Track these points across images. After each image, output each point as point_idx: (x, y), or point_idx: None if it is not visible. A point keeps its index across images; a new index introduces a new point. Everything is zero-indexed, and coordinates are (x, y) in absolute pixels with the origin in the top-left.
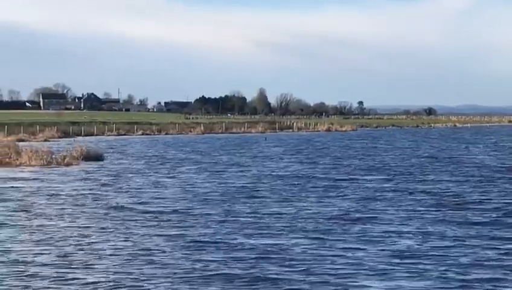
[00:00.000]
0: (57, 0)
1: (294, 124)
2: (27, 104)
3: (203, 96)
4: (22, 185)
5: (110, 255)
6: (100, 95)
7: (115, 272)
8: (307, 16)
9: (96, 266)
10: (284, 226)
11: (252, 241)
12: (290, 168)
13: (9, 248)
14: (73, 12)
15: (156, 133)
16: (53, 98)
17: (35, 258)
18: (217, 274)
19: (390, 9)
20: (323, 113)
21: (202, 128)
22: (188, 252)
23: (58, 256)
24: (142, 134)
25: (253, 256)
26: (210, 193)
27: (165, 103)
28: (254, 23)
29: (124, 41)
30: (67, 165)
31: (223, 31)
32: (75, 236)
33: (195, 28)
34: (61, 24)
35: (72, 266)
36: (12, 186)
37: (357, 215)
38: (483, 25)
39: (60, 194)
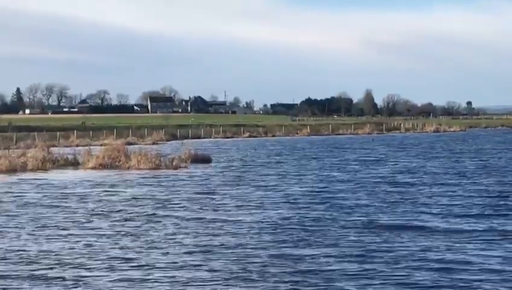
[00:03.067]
0: (169, 6)
1: (402, 125)
2: (135, 107)
3: (309, 98)
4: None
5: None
6: (207, 98)
7: None
8: (414, 15)
9: None
10: None
11: None
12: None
13: None
14: (181, 15)
15: (263, 135)
16: (160, 101)
17: None
18: None
19: (502, 7)
20: (431, 114)
21: (309, 130)
22: None
23: None
24: (249, 136)
25: None
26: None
27: (271, 105)
28: (360, 23)
29: (231, 43)
30: (176, 168)
31: (328, 32)
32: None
33: (301, 29)
34: (171, 28)
35: None
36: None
37: None
38: None
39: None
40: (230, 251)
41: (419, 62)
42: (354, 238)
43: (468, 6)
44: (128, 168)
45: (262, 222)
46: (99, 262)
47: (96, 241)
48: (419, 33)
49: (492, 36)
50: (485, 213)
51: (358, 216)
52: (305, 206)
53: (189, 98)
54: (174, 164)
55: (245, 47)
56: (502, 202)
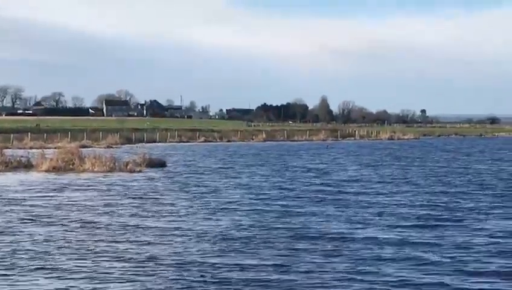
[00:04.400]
0: (124, 8)
1: (356, 132)
2: (90, 110)
3: (264, 103)
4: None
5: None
6: (162, 102)
7: None
8: (371, 23)
9: None
10: None
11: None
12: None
13: None
14: (139, 20)
15: (218, 140)
16: (116, 104)
17: None
18: None
19: (458, 17)
20: (385, 121)
21: (264, 135)
22: None
23: None
24: (204, 141)
25: None
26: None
27: (226, 110)
28: (317, 29)
29: (187, 47)
30: (131, 171)
31: (285, 38)
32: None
33: (258, 35)
34: (126, 32)
35: None
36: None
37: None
38: None
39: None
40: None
41: (374, 69)
42: (285, 247)
43: (424, 15)
44: (83, 171)
45: (200, 230)
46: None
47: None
48: (376, 41)
49: (446, 44)
50: (405, 224)
51: (293, 224)
52: (246, 213)
53: (145, 102)
54: (128, 167)
55: (202, 51)
56: (424, 212)
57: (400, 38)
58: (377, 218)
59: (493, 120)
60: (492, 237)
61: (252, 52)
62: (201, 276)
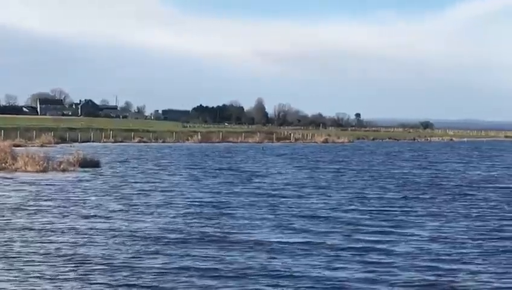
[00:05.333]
0: (58, 6)
1: (292, 134)
2: (24, 109)
3: (200, 105)
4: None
5: None
6: (97, 102)
7: None
8: (308, 27)
9: None
10: None
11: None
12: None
13: None
14: (73, 18)
15: (153, 141)
16: (50, 103)
17: None
18: None
19: (394, 21)
20: (321, 125)
21: (199, 137)
22: None
23: None
24: (139, 141)
25: None
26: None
27: (162, 111)
28: (253, 32)
29: (123, 47)
30: (64, 171)
31: (223, 41)
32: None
33: (193, 36)
34: (61, 30)
35: None
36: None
37: None
38: (488, 41)
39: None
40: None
41: (310, 73)
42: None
43: (361, 19)
44: (16, 170)
45: (118, 230)
46: None
47: None
48: (312, 44)
49: (382, 48)
50: (332, 229)
51: (220, 227)
52: (174, 215)
53: (80, 101)
54: (62, 167)
55: (138, 52)
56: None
57: (336, 42)
58: (302, 222)
59: (426, 125)
60: (418, 243)
61: (188, 53)
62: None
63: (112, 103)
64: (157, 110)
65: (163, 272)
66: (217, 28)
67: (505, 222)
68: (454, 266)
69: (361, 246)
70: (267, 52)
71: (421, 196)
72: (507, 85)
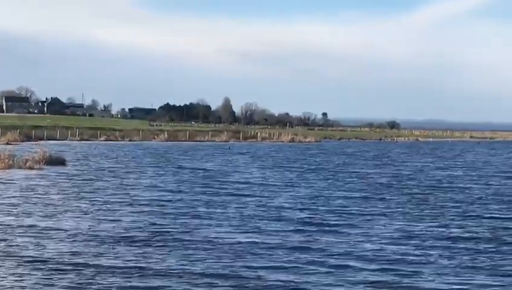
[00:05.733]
0: (24, 5)
1: (259, 133)
2: None
3: (167, 103)
4: None
5: None
6: (64, 100)
7: None
8: (275, 26)
9: None
10: None
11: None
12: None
13: None
14: (40, 16)
15: (120, 139)
16: (16, 101)
17: None
18: None
19: (360, 22)
20: (287, 124)
21: (166, 135)
22: None
23: None
24: (106, 140)
25: None
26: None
27: (129, 109)
28: (220, 31)
29: (89, 46)
30: (30, 169)
31: (190, 39)
32: None
33: (161, 35)
34: (27, 27)
35: None
36: None
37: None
38: (453, 42)
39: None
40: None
41: (278, 72)
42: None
43: (327, 19)
44: None
45: (79, 229)
46: None
47: None
48: (279, 44)
49: (348, 49)
50: (291, 228)
51: (179, 227)
52: (134, 214)
53: (46, 99)
54: (27, 164)
55: (104, 50)
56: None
57: (303, 41)
58: (263, 222)
59: (393, 125)
60: (373, 243)
61: (155, 51)
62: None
63: (79, 101)
64: (124, 109)
65: (123, 272)
66: (184, 27)
67: (465, 222)
68: (417, 266)
69: (320, 246)
70: (235, 51)
71: (382, 196)
72: (471, 86)
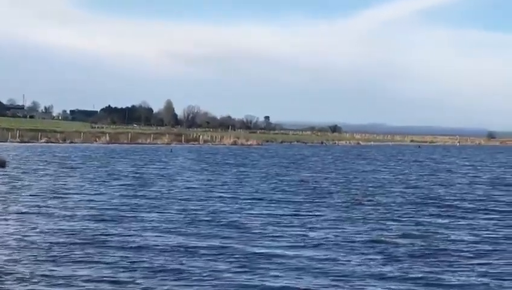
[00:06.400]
0: None
1: (201, 136)
2: None
3: (109, 105)
4: None
5: None
6: (4, 101)
7: None
8: (218, 28)
9: None
10: None
11: None
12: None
13: None
14: None
15: (61, 141)
16: None
17: None
18: None
19: (303, 25)
20: (230, 127)
21: (108, 138)
22: None
23: None
24: (47, 142)
25: None
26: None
27: (70, 111)
28: (162, 33)
29: (30, 47)
30: None
31: (132, 41)
32: None
33: (102, 36)
34: None
35: None
36: None
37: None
38: (395, 47)
39: None
40: None
41: (220, 75)
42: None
43: (271, 22)
44: None
45: (14, 235)
46: None
47: None
48: (221, 46)
49: (291, 52)
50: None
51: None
52: (68, 218)
53: None
54: None
55: (46, 51)
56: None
57: (245, 43)
58: (195, 225)
59: (334, 128)
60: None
61: (96, 53)
62: None
63: (19, 103)
64: (65, 111)
65: (55, 278)
66: (125, 29)
67: (403, 226)
68: (349, 273)
69: (253, 251)
70: (177, 53)
71: (318, 201)
72: (413, 91)
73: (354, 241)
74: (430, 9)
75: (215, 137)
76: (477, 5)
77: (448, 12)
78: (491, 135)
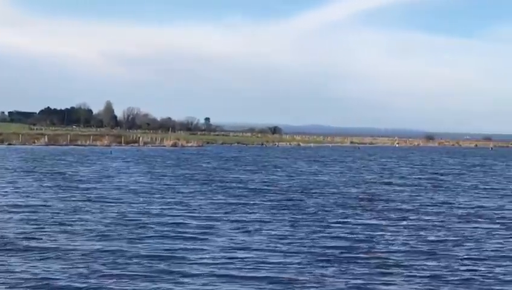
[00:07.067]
0: None
1: (141, 138)
2: None
3: (48, 107)
4: None
5: None
6: None
7: None
8: (159, 29)
9: None
10: None
11: None
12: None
13: None
14: None
15: None
16: None
17: None
18: None
19: (243, 26)
20: (170, 128)
21: (46, 139)
22: None
23: None
24: None
25: None
26: None
27: (8, 112)
28: (103, 33)
29: None
30: None
31: (71, 42)
32: None
33: (42, 37)
34: None
35: None
36: None
37: None
38: (335, 49)
39: None
40: None
41: (160, 76)
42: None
43: (211, 23)
44: None
45: None
46: None
47: None
48: (163, 47)
49: (231, 53)
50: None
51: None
52: None
53: None
54: None
55: None
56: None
57: (186, 45)
58: (119, 228)
59: (275, 130)
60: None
61: (35, 54)
62: None
63: None
64: (3, 112)
65: None
66: (66, 29)
67: (327, 229)
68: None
69: (171, 255)
70: (118, 54)
71: (247, 202)
72: (352, 92)
73: (279, 244)
74: (371, 11)
75: (155, 139)
76: (416, 7)
77: (388, 14)
78: (429, 137)
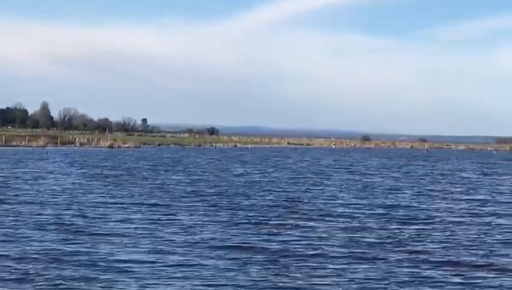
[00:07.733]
0: None
1: (77, 139)
2: None
3: None
4: None
5: None
6: None
7: None
8: (95, 29)
9: None
10: None
11: None
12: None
13: None
14: None
15: None
16: None
17: None
18: None
19: (181, 26)
20: (107, 129)
21: None
22: None
23: None
24: None
25: None
26: None
27: None
28: (37, 33)
29: None
30: None
31: (3, 41)
32: None
33: None
34: None
35: None
36: None
37: None
38: (272, 50)
39: None
40: None
41: (96, 77)
42: None
43: (148, 24)
44: None
45: None
46: None
47: None
48: (99, 47)
49: (169, 54)
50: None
51: None
52: None
53: None
54: None
55: None
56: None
57: (122, 46)
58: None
59: (212, 131)
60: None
61: None
62: None
63: None
64: None
65: None
66: (3, 29)
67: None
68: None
69: (104, 257)
70: (53, 54)
71: (179, 204)
72: (288, 94)
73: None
74: (308, 12)
75: (92, 140)
76: (355, 10)
77: (325, 15)
78: (365, 138)
